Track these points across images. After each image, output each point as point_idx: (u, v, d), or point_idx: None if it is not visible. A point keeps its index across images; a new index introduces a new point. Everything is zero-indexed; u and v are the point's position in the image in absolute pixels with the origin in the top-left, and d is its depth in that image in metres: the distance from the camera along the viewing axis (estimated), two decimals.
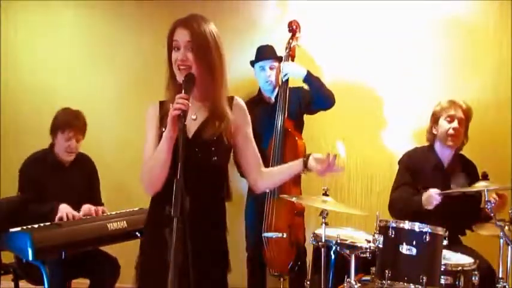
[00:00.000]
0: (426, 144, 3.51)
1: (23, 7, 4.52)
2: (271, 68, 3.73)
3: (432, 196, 3.12)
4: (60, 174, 3.45)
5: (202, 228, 2.06)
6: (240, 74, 3.90)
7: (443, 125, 3.34)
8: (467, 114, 3.34)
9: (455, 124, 3.29)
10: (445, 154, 3.41)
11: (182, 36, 2.05)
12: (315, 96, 3.67)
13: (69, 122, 3.41)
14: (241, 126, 2.18)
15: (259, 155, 2.25)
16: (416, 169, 3.40)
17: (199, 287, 1.99)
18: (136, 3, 4.39)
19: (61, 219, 3.17)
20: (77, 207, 3.31)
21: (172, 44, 2.08)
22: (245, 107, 2.23)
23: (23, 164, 3.42)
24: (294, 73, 3.69)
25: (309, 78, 3.66)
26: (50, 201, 3.27)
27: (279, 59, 3.76)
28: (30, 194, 3.31)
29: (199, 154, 2.06)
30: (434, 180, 3.31)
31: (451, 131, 3.31)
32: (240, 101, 2.22)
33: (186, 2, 3.92)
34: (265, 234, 3.60)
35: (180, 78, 2.05)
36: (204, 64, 2.05)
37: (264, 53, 3.75)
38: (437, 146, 3.42)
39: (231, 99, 2.18)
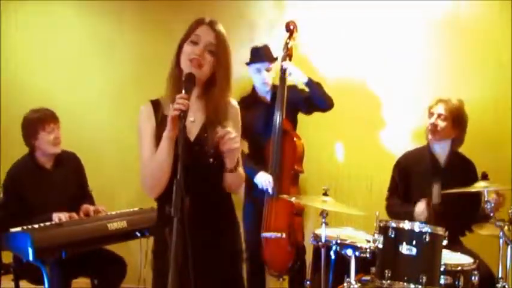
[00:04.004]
0: (425, 143, 3.52)
1: (23, 7, 4.53)
2: (267, 70, 3.73)
3: (421, 210, 3.22)
4: (43, 180, 3.39)
5: (212, 228, 2.08)
6: (237, 75, 3.88)
7: (427, 121, 3.43)
8: (453, 109, 3.36)
9: (432, 119, 3.37)
10: (440, 152, 3.43)
11: (207, 35, 2.06)
12: (314, 99, 3.68)
13: (46, 115, 3.38)
14: (234, 128, 2.15)
15: (240, 160, 2.23)
16: (411, 170, 3.42)
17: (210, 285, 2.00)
18: (136, 3, 4.39)
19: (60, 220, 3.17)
20: (69, 210, 3.28)
21: (189, 35, 2.07)
22: (238, 108, 2.21)
23: (7, 174, 3.35)
24: (296, 77, 3.69)
25: (310, 83, 3.68)
26: (39, 208, 3.22)
27: (275, 60, 3.76)
28: (14, 209, 3.23)
29: (202, 156, 2.06)
30: (432, 179, 3.34)
31: (429, 126, 3.39)
32: (235, 103, 2.22)
33: (185, 2, 3.92)
34: (264, 235, 3.59)
35: (187, 70, 2.04)
36: (222, 68, 2.08)
37: (260, 56, 3.73)
38: (433, 145, 3.44)
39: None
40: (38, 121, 3.36)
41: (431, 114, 3.41)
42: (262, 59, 3.72)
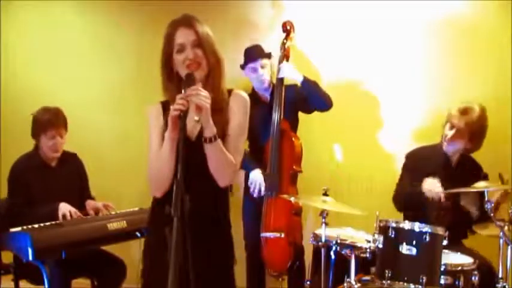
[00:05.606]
0: (434, 142, 3.50)
1: (23, 7, 4.53)
2: (262, 67, 3.70)
3: (432, 183, 3.19)
4: (47, 176, 3.42)
5: (206, 228, 2.08)
6: (234, 75, 3.87)
7: (445, 130, 3.37)
8: (473, 124, 3.26)
9: (451, 133, 3.30)
10: (453, 153, 3.42)
11: (187, 36, 2.08)
12: (311, 99, 3.66)
13: (50, 121, 3.37)
14: (235, 115, 2.14)
15: (242, 151, 2.18)
16: (422, 165, 3.40)
17: (203, 286, 1.99)
18: (136, 3, 4.40)
19: (64, 217, 3.18)
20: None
21: (173, 45, 2.09)
22: (245, 98, 2.18)
23: (12, 168, 3.38)
24: (291, 77, 3.67)
25: (306, 83, 3.65)
26: (39, 203, 3.25)
27: (268, 56, 3.74)
28: (21, 199, 3.28)
29: (202, 155, 2.04)
30: (442, 177, 3.33)
31: (447, 138, 3.34)
32: (241, 92, 2.19)
33: (185, 2, 3.92)
34: (263, 234, 3.59)
35: (186, 72, 2.06)
36: (213, 58, 2.10)
37: (253, 54, 3.72)
38: (447, 146, 3.43)
39: (229, 91, 2.18)
40: (41, 124, 3.38)
41: (451, 125, 3.31)
42: (254, 58, 3.70)
